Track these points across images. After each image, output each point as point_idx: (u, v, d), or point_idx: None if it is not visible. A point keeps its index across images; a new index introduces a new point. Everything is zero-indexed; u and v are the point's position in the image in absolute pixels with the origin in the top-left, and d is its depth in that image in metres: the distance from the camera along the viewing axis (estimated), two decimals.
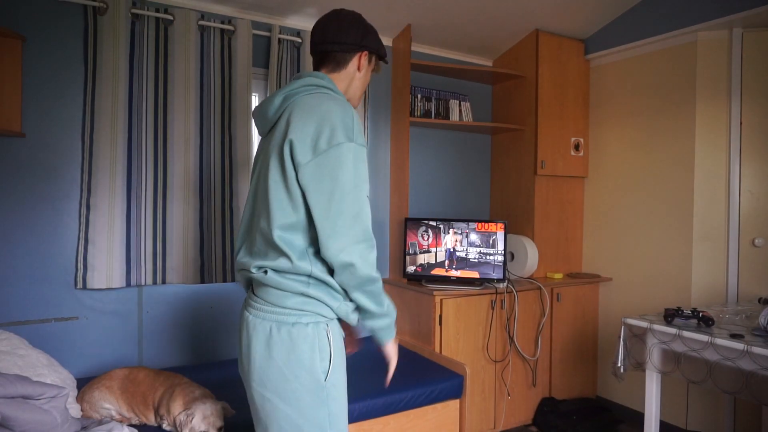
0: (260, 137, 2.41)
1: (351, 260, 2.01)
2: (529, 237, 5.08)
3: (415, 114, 4.90)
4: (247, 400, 3.30)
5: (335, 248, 2.00)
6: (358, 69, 2.37)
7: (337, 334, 2.14)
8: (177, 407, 2.89)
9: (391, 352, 2.25)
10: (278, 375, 2.05)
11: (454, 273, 4.52)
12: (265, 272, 2.11)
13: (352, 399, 3.34)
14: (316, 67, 2.39)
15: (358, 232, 2.02)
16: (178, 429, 2.80)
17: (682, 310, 3.35)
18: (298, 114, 2.08)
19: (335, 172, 2.00)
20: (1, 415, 2.35)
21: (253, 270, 2.16)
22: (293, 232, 2.08)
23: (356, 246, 2.01)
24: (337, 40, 2.31)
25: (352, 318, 2.16)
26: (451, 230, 4.51)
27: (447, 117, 5.08)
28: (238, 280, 2.34)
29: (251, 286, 2.30)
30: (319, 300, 2.08)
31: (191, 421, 2.78)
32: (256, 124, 2.34)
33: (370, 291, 2.08)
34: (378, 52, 2.42)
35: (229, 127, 4.12)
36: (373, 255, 2.06)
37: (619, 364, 3.57)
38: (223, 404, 2.91)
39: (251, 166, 4.14)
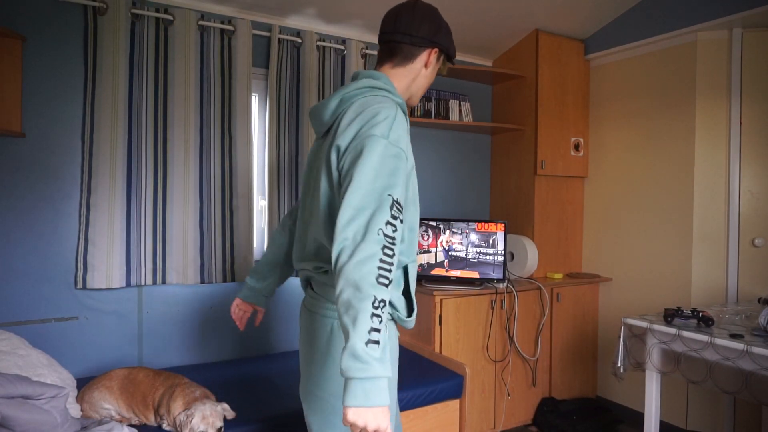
0: (316, 138, 2.31)
1: (336, 254, 1.75)
2: (529, 237, 5.08)
3: (415, 114, 4.90)
4: (248, 402, 3.31)
5: (334, 243, 1.76)
6: (425, 66, 2.23)
7: (393, 338, 2.10)
8: (177, 407, 2.89)
9: (346, 417, 1.62)
10: (336, 373, 2.02)
11: (454, 273, 4.52)
12: (325, 272, 2.08)
13: None
14: (382, 58, 2.25)
15: (357, 228, 1.74)
16: (178, 429, 2.80)
17: (682, 310, 3.35)
18: (348, 118, 1.98)
19: (356, 160, 1.85)
20: (1, 415, 2.35)
21: (312, 270, 2.13)
22: None
23: (351, 243, 1.73)
24: (408, 31, 2.17)
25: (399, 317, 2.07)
26: (451, 230, 4.51)
27: (447, 117, 5.07)
28: (300, 276, 2.25)
29: (309, 284, 2.25)
30: None
31: (191, 422, 2.77)
32: (312, 125, 2.25)
33: (349, 302, 1.66)
34: (448, 52, 2.27)
35: (229, 127, 4.12)
36: (367, 262, 1.69)
37: (619, 364, 3.57)
38: (223, 405, 2.91)
39: (252, 165, 4.15)
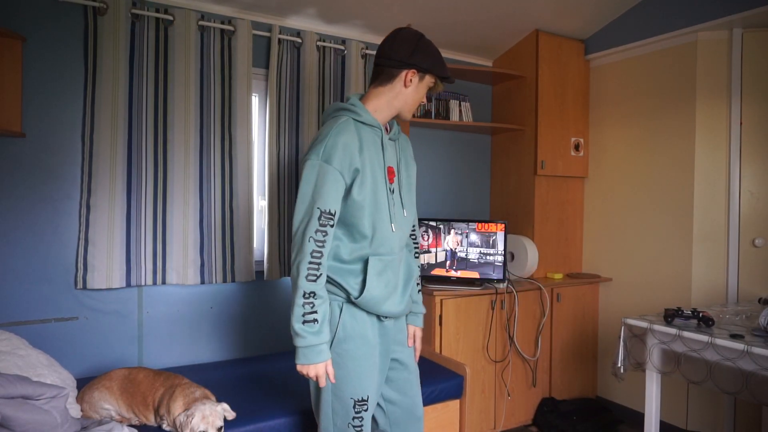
0: None
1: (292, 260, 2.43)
2: (529, 237, 5.08)
3: (415, 114, 4.90)
4: (248, 402, 3.32)
5: None
6: (404, 85, 2.55)
7: (347, 314, 2.55)
8: (177, 408, 2.89)
9: (299, 369, 2.44)
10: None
11: (454, 273, 4.52)
12: None
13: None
14: (371, 79, 2.62)
15: (296, 238, 2.40)
16: (178, 429, 2.80)
17: (682, 311, 3.35)
18: None
19: (299, 181, 2.44)
20: (1, 415, 2.35)
21: None
22: None
23: (293, 248, 2.41)
24: (387, 55, 2.53)
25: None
26: (451, 230, 4.51)
27: (447, 117, 5.07)
28: None
29: None
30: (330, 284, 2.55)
31: (191, 422, 2.77)
32: None
33: (292, 294, 2.39)
34: (429, 71, 2.55)
35: (229, 128, 4.12)
36: (301, 263, 2.36)
37: (619, 365, 3.57)
38: (223, 405, 2.91)
39: (252, 165, 4.16)
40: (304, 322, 2.33)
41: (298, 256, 2.36)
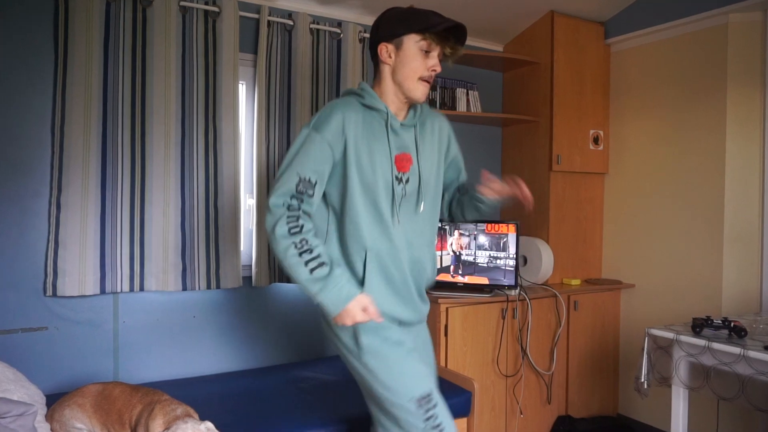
0: None
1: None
2: (543, 239, 5.08)
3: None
4: (234, 420, 3.32)
5: None
6: (386, 63, 2.63)
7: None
8: (156, 426, 2.88)
9: (344, 319, 2.41)
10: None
11: (461, 279, 4.51)
12: None
13: (352, 417, 3.34)
14: None
15: (268, 203, 2.43)
16: None
17: (712, 320, 3.35)
18: None
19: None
20: None
21: None
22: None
23: (267, 216, 2.44)
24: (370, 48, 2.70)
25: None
26: (457, 232, 4.51)
27: (453, 107, 5.07)
28: None
29: None
30: None
31: None
32: None
33: (280, 262, 2.42)
34: (397, 34, 2.57)
35: (213, 119, 4.11)
36: (278, 223, 2.39)
37: (642, 379, 3.57)
38: (206, 424, 2.90)
39: (239, 160, 4.17)
40: (312, 270, 2.35)
41: (273, 219, 2.40)
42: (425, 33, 2.54)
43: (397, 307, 2.63)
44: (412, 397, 2.47)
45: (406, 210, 2.64)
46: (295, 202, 2.40)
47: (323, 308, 2.38)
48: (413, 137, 2.69)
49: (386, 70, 2.63)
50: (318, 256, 2.36)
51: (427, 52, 2.57)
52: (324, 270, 2.35)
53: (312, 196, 2.45)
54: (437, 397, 2.53)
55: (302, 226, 2.39)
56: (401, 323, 2.68)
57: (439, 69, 2.64)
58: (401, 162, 2.61)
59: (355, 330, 2.52)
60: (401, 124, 2.65)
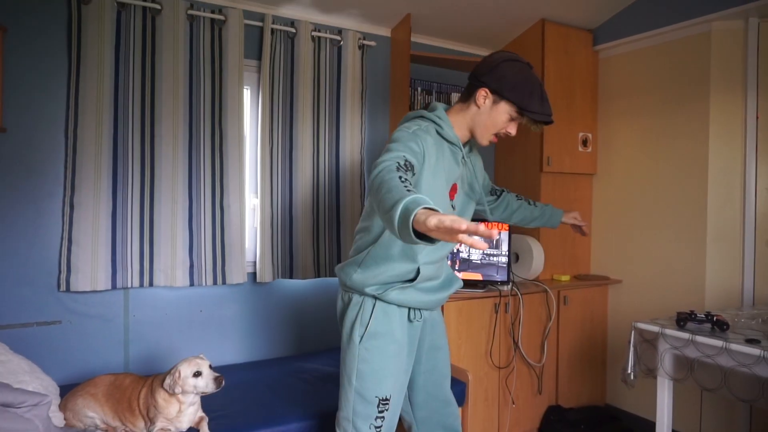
0: None
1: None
2: (534, 237, 5.08)
3: (415, 108, 4.90)
4: (241, 411, 3.32)
5: None
6: (477, 105, 2.60)
7: (380, 310, 2.64)
8: (161, 394, 2.91)
9: (429, 224, 1.77)
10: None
11: (457, 275, 4.50)
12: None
13: None
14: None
15: (373, 177, 2.13)
16: (171, 392, 2.87)
17: (696, 314, 3.35)
18: None
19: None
20: None
21: None
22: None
23: (371, 185, 2.14)
24: (474, 70, 2.63)
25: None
26: None
27: None
28: None
29: None
30: None
31: (179, 376, 2.83)
32: None
33: (380, 194, 2.01)
34: (502, 95, 2.54)
35: (219, 122, 4.12)
36: (381, 165, 2.12)
37: (629, 371, 3.57)
38: (202, 355, 3.04)
39: (243, 162, 4.17)
40: (408, 189, 1.94)
41: (379, 168, 2.12)
42: (525, 113, 2.57)
43: (431, 298, 2.75)
44: (378, 394, 2.62)
45: None
46: (402, 173, 2.07)
47: (404, 215, 1.82)
48: (468, 168, 2.79)
49: (469, 111, 2.63)
50: (411, 185, 2.02)
51: (512, 120, 2.63)
52: (413, 193, 1.90)
53: (409, 179, 2.13)
54: (393, 405, 2.68)
55: (404, 164, 2.19)
56: (427, 309, 2.81)
57: (513, 134, 2.72)
58: (452, 191, 2.68)
59: (369, 319, 2.61)
60: (462, 158, 2.71)
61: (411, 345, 2.75)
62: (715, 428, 4.45)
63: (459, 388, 3.81)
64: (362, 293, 2.66)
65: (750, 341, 2.98)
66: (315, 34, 4.48)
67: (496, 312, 4.54)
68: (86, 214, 3.69)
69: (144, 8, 3.88)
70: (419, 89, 4.97)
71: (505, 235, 4.45)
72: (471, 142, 2.80)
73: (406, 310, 2.70)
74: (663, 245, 4.82)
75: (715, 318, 3.28)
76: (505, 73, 2.53)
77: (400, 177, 2.01)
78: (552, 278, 5.23)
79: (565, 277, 5.13)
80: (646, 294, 4.99)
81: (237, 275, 4.17)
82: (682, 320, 3.36)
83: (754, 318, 3.59)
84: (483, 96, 2.56)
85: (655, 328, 3.42)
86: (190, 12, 4.01)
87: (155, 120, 3.93)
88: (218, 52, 4.14)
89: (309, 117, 4.44)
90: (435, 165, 2.52)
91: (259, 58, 4.37)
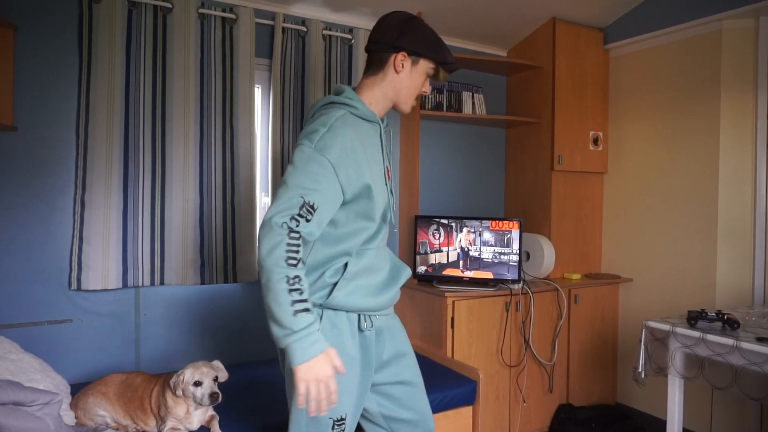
0: None
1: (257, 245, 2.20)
2: (545, 236, 5.06)
3: (426, 107, 4.88)
4: (250, 408, 3.31)
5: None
6: (396, 71, 2.45)
7: (327, 323, 2.37)
8: (170, 396, 2.91)
9: (298, 381, 2.09)
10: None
11: (467, 273, 4.50)
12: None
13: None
14: (364, 70, 2.53)
15: (266, 217, 2.12)
16: (175, 392, 2.87)
17: (706, 313, 3.33)
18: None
19: (288, 166, 2.24)
20: None
21: None
22: None
23: (261, 230, 2.12)
24: (375, 40, 2.46)
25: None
26: (464, 228, 4.49)
27: (459, 110, 5.05)
28: None
29: None
30: None
31: (183, 379, 2.81)
32: None
33: (264, 283, 2.10)
34: (423, 55, 2.44)
35: (230, 121, 4.11)
36: (275, 248, 2.06)
37: (639, 369, 3.55)
38: (216, 362, 2.98)
39: (254, 160, 4.16)
40: (296, 312, 2.04)
41: (271, 243, 2.07)
42: (442, 66, 2.51)
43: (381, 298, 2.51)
44: (332, 415, 2.36)
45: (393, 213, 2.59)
46: (294, 226, 2.11)
47: (288, 353, 2.06)
48: (389, 143, 2.64)
49: (385, 81, 2.46)
50: (305, 301, 2.07)
51: (428, 77, 2.53)
52: (308, 317, 2.06)
53: (309, 222, 2.16)
54: (349, 424, 2.45)
55: (299, 261, 2.10)
56: (379, 311, 2.54)
57: (427, 93, 2.63)
58: (387, 172, 2.55)
59: (322, 331, 2.30)
60: (384, 132, 2.56)
61: (365, 358, 2.47)
62: (726, 427, 4.43)
63: (470, 386, 3.80)
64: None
65: (761, 340, 2.96)
66: (326, 32, 4.47)
67: (507, 310, 4.52)
68: (97, 212, 3.69)
69: (155, 7, 3.87)
70: (430, 87, 4.94)
71: (516, 234, 4.42)
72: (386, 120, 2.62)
73: (356, 317, 2.44)
74: (674, 244, 4.79)
75: (725, 316, 3.26)
76: (416, 33, 2.43)
77: (288, 285, 2.06)
78: (563, 277, 5.20)
79: (576, 276, 5.11)
80: (656, 292, 4.96)
81: (248, 273, 4.16)
82: (693, 319, 3.34)
83: (765, 316, 3.57)
84: (401, 60, 2.42)
85: (665, 327, 3.40)
86: (201, 11, 4.00)
87: (166, 118, 3.92)
88: (229, 50, 4.13)
89: None
90: (365, 151, 2.35)
91: (270, 56, 4.36)
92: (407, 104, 2.54)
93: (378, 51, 2.45)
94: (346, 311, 2.40)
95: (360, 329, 2.45)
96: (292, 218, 2.10)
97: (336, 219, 2.34)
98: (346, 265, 2.39)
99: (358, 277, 2.41)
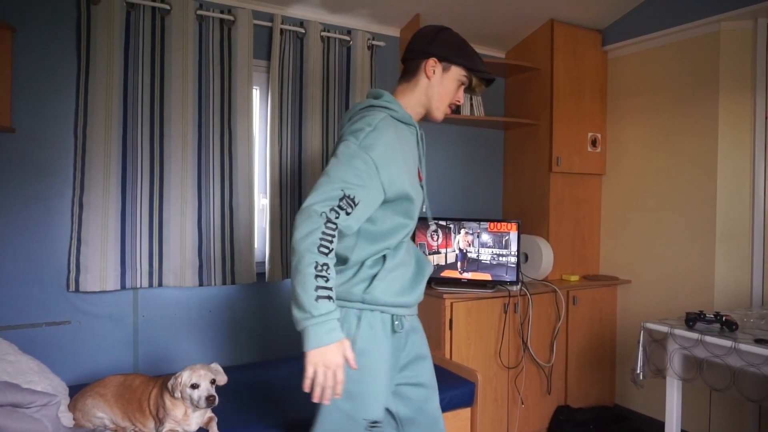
0: None
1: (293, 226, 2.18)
2: (543, 237, 5.06)
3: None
4: (249, 410, 3.31)
5: None
6: (427, 77, 2.52)
7: (366, 324, 2.41)
8: (168, 397, 2.91)
9: (307, 364, 2.17)
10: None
11: (465, 275, 4.50)
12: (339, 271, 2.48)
13: None
14: (399, 79, 2.63)
15: (305, 204, 2.17)
16: (173, 394, 2.86)
17: (705, 314, 3.33)
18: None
19: (330, 158, 2.31)
20: None
21: None
22: None
23: (298, 216, 2.16)
24: (408, 48, 2.57)
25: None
26: (462, 230, 4.49)
27: (457, 111, 5.04)
28: None
29: None
30: None
31: (180, 381, 2.80)
32: None
33: (293, 266, 2.15)
34: (453, 61, 2.51)
35: (228, 122, 4.11)
36: (310, 234, 2.11)
37: (638, 371, 3.56)
38: (215, 365, 2.97)
39: (253, 162, 4.16)
40: (318, 298, 2.08)
41: (307, 229, 2.10)
42: (474, 73, 2.55)
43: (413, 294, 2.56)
44: (367, 417, 2.40)
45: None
46: (333, 217, 2.15)
47: (304, 337, 2.13)
48: (424, 146, 2.70)
49: (419, 87, 2.54)
50: (329, 289, 2.11)
51: (461, 85, 2.58)
52: (329, 305, 2.10)
53: (349, 215, 2.21)
54: (384, 425, 2.53)
55: (331, 251, 2.13)
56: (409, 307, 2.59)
57: (461, 102, 2.66)
58: (419, 173, 2.61)
59: (355, 331, 2.39)
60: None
61: (395, 360, 2.54)
62: (724, 428, 4.43)
63: (468, 388, 3.80)
64: (345, 301, 2.40)
65: (759, 341, 2.96)
66: (324, 34, 4.47)
67: (505, 312, 4.52)
68: (95, 213, 3.68)
69: (153, 8, 3.87)
70: None
71: (514, 236, 4.42)
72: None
73: (389, 319, 2.47)
74: (672, 245, 4.80)
75: (724, 318, 3.26)
76: (447, 40, 2.52)
77: (316, 271, 2.10)
78: (561, 278, 5.20)
79: (574, 278, 5.11)
80: (655, 294, 4.96)
81: (246, 275, 4.16)
82: (691, 320, 3.34)
83: (764, 318, 3.57)
84: (432, 66, 2.50)
85: (664, 329, 3.40)
86: (199, 12, 4.00)
87: (164, 120, 3.92)
88: (227, 52, 4.13)
89: (318, 117, 4.42)
90: (403, 152, 2.42)
91: (269, 58, 4.35)
92: (439, 110, 2.61)
93: (411, 59, 2.55)
94: (381, 311, 2.45)
95: (394, 330, 2.50)
96: (332, 209, 2.15)
97: (375, 216, 2.38)
98: (384, 257, 2.44)
99: (395, 269, 2.46)
